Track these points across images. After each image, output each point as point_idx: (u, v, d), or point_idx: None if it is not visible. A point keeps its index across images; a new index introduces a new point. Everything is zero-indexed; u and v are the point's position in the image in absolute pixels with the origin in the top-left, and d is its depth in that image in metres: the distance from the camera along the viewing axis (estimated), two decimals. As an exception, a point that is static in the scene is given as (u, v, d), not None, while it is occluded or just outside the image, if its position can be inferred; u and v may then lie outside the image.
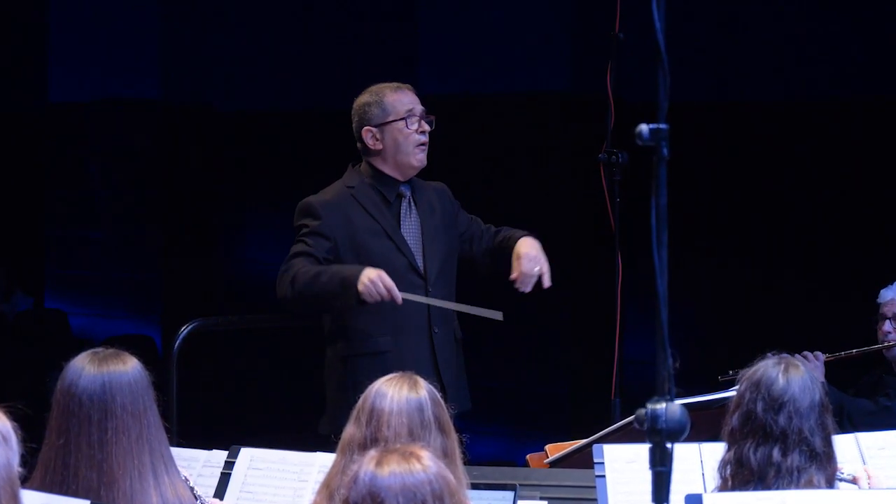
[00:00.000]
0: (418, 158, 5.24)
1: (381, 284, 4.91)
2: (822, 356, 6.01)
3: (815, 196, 7.93)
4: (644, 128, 2.55)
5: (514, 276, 5.14)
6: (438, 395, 3.49)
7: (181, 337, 6.56)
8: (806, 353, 5.91)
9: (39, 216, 10.78)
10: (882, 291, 6.14)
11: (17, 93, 10.81)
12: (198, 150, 10.22)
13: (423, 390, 3.45)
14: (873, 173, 7.71)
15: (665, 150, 2.54)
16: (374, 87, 5.29)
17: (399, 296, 4.95)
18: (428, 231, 5.27)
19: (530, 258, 5.14)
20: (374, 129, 5.22)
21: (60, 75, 10.62)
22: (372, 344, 5.13)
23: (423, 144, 5.24)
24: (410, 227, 5.26)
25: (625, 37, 5.55)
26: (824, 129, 7.89)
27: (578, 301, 8.16)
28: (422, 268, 5.22)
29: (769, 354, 3.64)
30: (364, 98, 5.27)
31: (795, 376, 3.55)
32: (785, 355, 3.64)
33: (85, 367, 3.37)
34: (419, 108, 5.24)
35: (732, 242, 8.18)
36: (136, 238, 10.34)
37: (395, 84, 5.29)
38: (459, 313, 5.30)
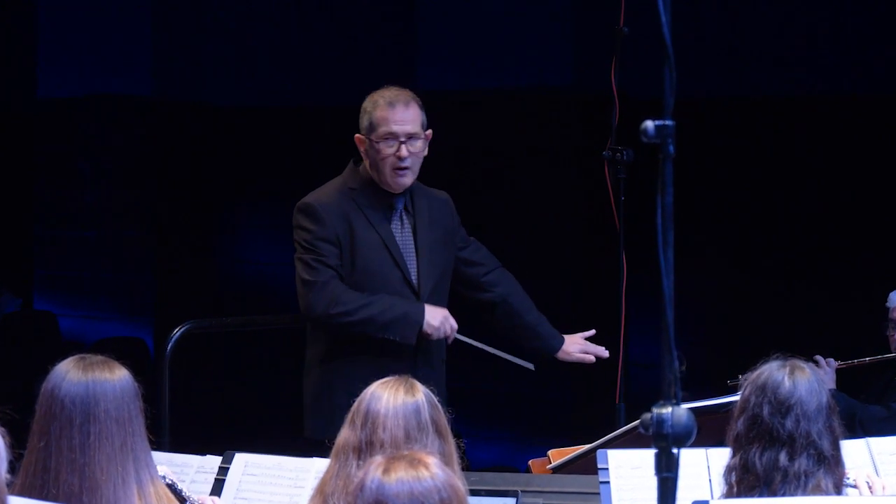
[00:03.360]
0: (396, 182, 5.16)
1: (447, 328, 5.06)
2: (834, 363, 6.01)
3: (828, 196, 7.93)
4: (649, 124, 2.55)
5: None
6: (436, 399, 3.49)
7: (174, 339, 6.56)
8: (818, 357, 5.91)
9: (28, 215, 10.78)
10: (891, 295, 6.13)
11: (4, 89, 10.80)
12: (191, 148, 10.22)
13: (420, 393, 3.45)
14: (888, 173, 7.71)
15: (671, 148, 2.54)
16: (377, 94, 5.21)
17: (452, 338, 5.11)
18: (424, 245, 5.24)
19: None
20: (362, 139, 5.19)
21: (49, 71, 10.62)
22: (356, 354, 5.13)
23: (400, 169, 5.13)
24: (403, 241, 5.23)
25: (629, 31, 5.55)
26: (837, 126, 7.89)
27: (582, 302, 8.15)
28: (416, 283, 5.20)
29: (773, 357, 3.64)
30: (365, 101, 5.22)
31: (802, 379, 3.55)
32: (790, 358, 3.64)
33: (70, 371, 3.38)
34: (406, 129, 5.12)
35: (741, 242, 8.17)
36: (127, 238, 10.34)
37: (394, 95, 5.17)
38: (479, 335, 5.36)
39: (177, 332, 6.58)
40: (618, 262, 5.50)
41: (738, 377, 5.60)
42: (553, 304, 7.46)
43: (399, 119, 5.13)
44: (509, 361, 5.29)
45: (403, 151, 5.11)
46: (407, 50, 9.16)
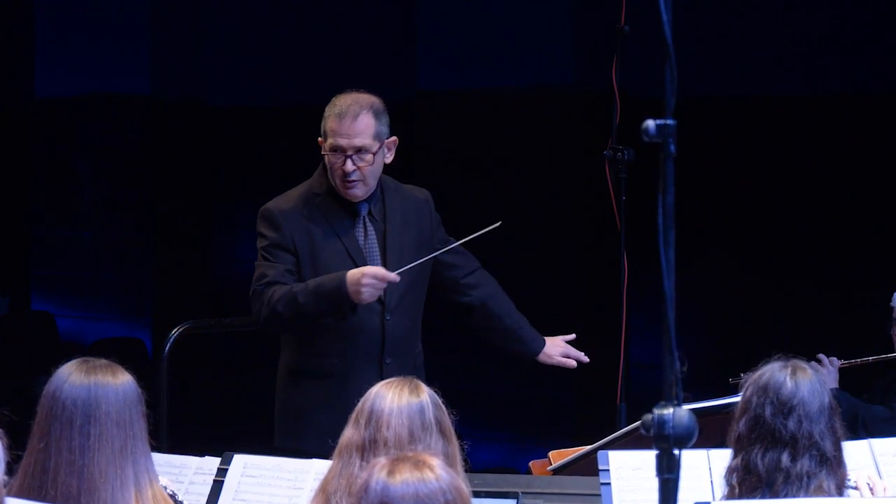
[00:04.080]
0: (347, 193, 5.07)
1: (371, 280, 4.85)
2: (837, 362, 6.01)
3: (830, 195, 7.93)
4: (651, 123, 2.55)
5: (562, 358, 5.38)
6: (440, 400, 3.50)
7: (172, 339, 6.57)
8: (821, 356, 5.91)
9: (25, 215, 10.78)
10: (895, 295, 6.13)
11: (1, 88, 10.81)
12: (189, 147, 10.22)
13: (425, 394, 3.47)
14: (890, 172, 7.71)
15: (672, 147, 2.54)
16: (335, 100, 5.09)
17: (396, 276, 4.90)
18: (393, 250, 5.13)
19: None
20: (322, 143, 5.11)
21: (47, 70, 10.61)
22: (319, 364, 5.07)
23: (346, 183, 5.04)
24: (368, 247, 5.13)
25: (630, 29, 5.55)
26: (839, 125, 7.89)
27: (583, 302, 8.16)
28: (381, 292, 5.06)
29: (775, 357, 3.64)
30: (328, 105, 5.12)
31: (804, 379, 3.55)
32: (792, 358, 3.65)
33: (72, 374, 3.38)
34: (353, 143, 5.00)
35: (743, 242, 8.17)
36: (125, 237, 10.34)
37: (346, 107, 5.04)
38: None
39: (175, 333, 6.59)
40: (619, 262, 5.50)
41: (739, 375, 5.61)
42: (554, 305, 7.47)
43: (345, 132, 5.01)
44: (478, 236, 5.08)
45: (348, 166, 5.01)
46: (407, 50, 9.16)
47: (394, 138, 5.13)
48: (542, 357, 5.40)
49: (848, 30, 7.90)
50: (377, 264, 5.07)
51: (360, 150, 5.02)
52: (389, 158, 5.14)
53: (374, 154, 5.04)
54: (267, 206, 5.18)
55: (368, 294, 4.87)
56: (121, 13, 10.23)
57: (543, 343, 5.39)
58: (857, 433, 5.23)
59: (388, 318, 5.11)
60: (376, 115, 5.07)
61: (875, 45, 7.83)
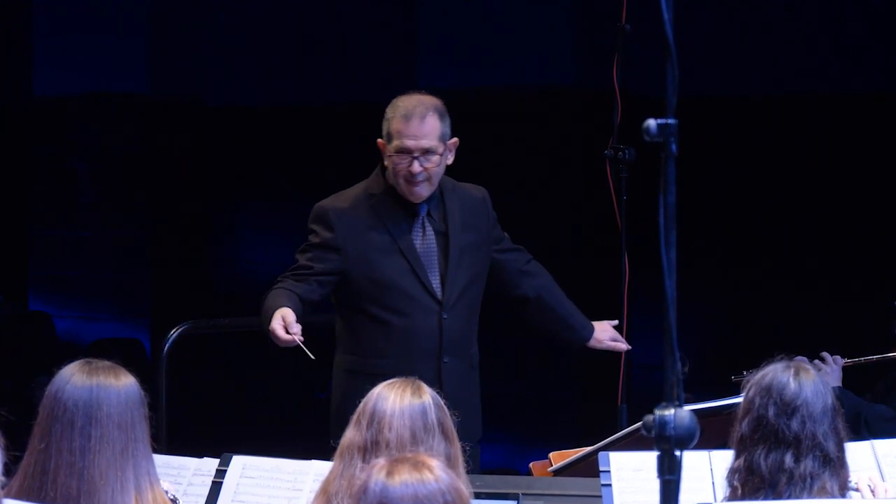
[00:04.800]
0: (412, 194, 5.05)
1: (292, 337, 4.72)
2: (840, 360, 6.01)
3: (833, 194, 7.93)
4: (652, 123, 2.55)
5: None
6: (442, 401, 3.50)
7: (171, 340, 6.57)
8: (824, 354, 5.90)
9: (23, 215, 10.78)
10: None
11: (-1, 87, 10.82)
12: (188, 147, 10.22)
13: (427, 395, 3.47)
14: (892, 170, 7.71)
15: (674, 147, 2.55)
16: (398, 101, 5.07)
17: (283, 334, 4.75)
18: (454, 251, 5.12)
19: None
20: (382, 144, 5.08)
21: (45, 68, 10.61)
22: (376, 364, 5.02)
23: (412, 184, 5.03)
24: (426, 247, 5.12)
25: (631, 28, 5.55)
26: (842, 124, 7.90)
27: (583, 303, 8.14)
28: (439, 291, 5.08)
29: (777, 358, 3.65)
30: (388, 106, 5.09)
31: (807, 380, 3.56)
32: (795, 359, 3.65)
33: (74, 375, 3.38)
34: (420, 145, 4.99)
35: (744, 241, 8.18)
36: (123, 237, 10.34)
37: (412, 105, 5.03)
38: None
39: (174, 333, 6.58)
40: (620, 261, 5.50)
41: (742, 373, 5.60)
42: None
43: (413, 134, 5.00)
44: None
45: (416, 167, 5.00)
46: (407, 48, 9.16)
47: (455, 140, 5.14)
48: (592, 343, 5.43)
49: (849, 29, 7.90)
50: (434, 265, 5.09)
51: (427, 152, 5.00)
52: (451, 160, 5.14)
53: (440, 155, 5.04)
54: (322, 204, 5.14)
55: (278, 341, 4.77)
56: (119, 12, 10.23)
57: (593, 329, 5.42)
58: (859, 432, 5.22)
59: (445, 316, 5.10)
60: (441, 116, 5.08)
61: (876, 45, 7.83)
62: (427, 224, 5.14)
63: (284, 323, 4.73)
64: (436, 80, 8.67)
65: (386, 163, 5.09)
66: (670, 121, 2.54)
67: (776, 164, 8.07)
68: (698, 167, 7.65)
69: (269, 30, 10.02)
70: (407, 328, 5.04)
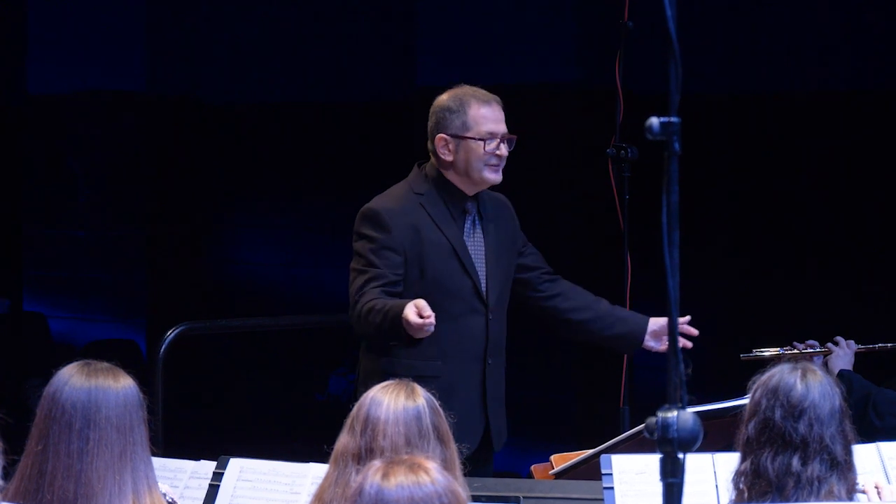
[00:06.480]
0: (491, 178, 5.09)
1: (426, 321, 4.64)
2: (854, 345, 5.98)
3: (835, 194, 7.93)
4: (654, 121, 2.55)
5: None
6: (437, 404, 3.48)
7: (167, 341, 6.56)
8: (837, 338, 5.87)
9: (18, 214, 10.78)
10: None
11: (-6, 85, 10.81)
12: (184, 145, 10.22)
13: (421, 398, 3.44)
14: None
15: (676, 145, 2.54)
16: (459, 91, 5.11)
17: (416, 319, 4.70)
18: (491, 251, 5.12)
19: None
20: (448, 139, 5.05)
21: (40, 66, 10.62)
22: (419, 367, 4.92)
23: (495, 165, 5.09)
24: (474, 247, 5.11)
25: (634, 25, 5.55)
26: (845, 120, 7.90)
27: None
28: (485, 292, 5.07)
29: (784, 360, 3.64)
30: (446, 101, 5.09)
31: (814, 382, 3.55)
32: (801, 361, 3.65)
33: (73, 376, 3.37)
34: (502, 128, 5.11)
35: (748, 241, 8.17)
36: (119, 237, 10.34)
37: (483, 94, 5.11)
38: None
39: (170, 335, 6.57)
40: (622, 261, 5.50)
41: (751, 352, 5.58)
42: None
43: (497, 118, 5.11)
44: None
45: (503, 150, 5.10)
46: (407, 45, 9.16)
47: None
48: (648, 341, 5.27)
49: (855, 26, 7.90)
50: (482, 261, 5.09)
51: (509, 136, 5.14)
52: None
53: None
54: (371, 206, 5.07)
55: (419, 333, 4.71)
56: (115, 9, 10.23)
57: (646, 321, 5.27)
58: (866, 414, 5.21)
59: (490, 318, 5.10)
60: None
61: (882, 42, 7.83)
62: (476, 220, 5.14)
63: (417, 309, 4.67)
64: (437, 79, 8.66)
65: (449, 156, 5.05)
66: (673, 119, 2.54)
67: (780, 162, 8.07)
68: (702, 166, 7.65)
69: (267, 28, 10.02)
70: (458, 329, 5.00)
